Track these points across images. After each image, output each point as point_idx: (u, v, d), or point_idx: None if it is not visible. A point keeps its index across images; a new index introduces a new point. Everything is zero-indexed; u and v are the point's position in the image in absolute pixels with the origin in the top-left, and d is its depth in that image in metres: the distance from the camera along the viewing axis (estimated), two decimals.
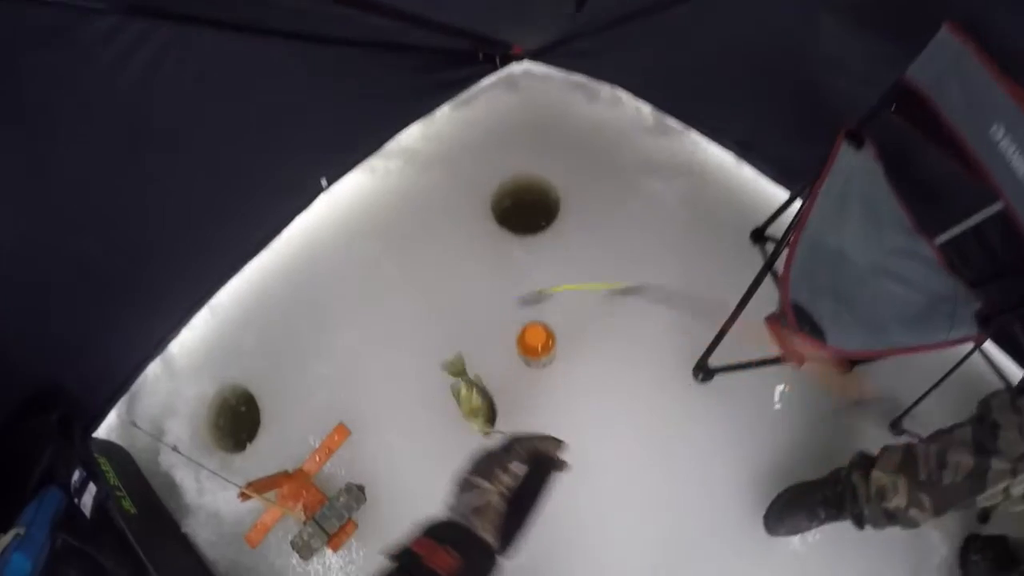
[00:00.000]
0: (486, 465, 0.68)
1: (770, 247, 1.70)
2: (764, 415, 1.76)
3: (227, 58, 1.37)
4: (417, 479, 1.68)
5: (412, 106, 1.94)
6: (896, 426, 1.72)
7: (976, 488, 1.22)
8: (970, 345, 1.47)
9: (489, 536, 0.64)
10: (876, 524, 1.40)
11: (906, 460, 1.33)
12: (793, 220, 1.42)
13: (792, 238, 1.32)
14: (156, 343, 1.84)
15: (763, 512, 1.63)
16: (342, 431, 1.72)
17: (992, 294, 1.38)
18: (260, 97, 1.53)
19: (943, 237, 1.44)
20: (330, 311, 1.83)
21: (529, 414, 1.70)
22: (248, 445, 1.78)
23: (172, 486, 1.78)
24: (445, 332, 1.74)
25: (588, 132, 1.99)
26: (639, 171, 1.94)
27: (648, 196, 1.92)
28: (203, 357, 1.86)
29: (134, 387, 1.84)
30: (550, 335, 1.57)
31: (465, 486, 0.67)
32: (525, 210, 1.95)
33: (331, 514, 1.63)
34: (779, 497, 1.63)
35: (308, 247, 1.88)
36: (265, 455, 1.75)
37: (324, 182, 1.86)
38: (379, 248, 1.86)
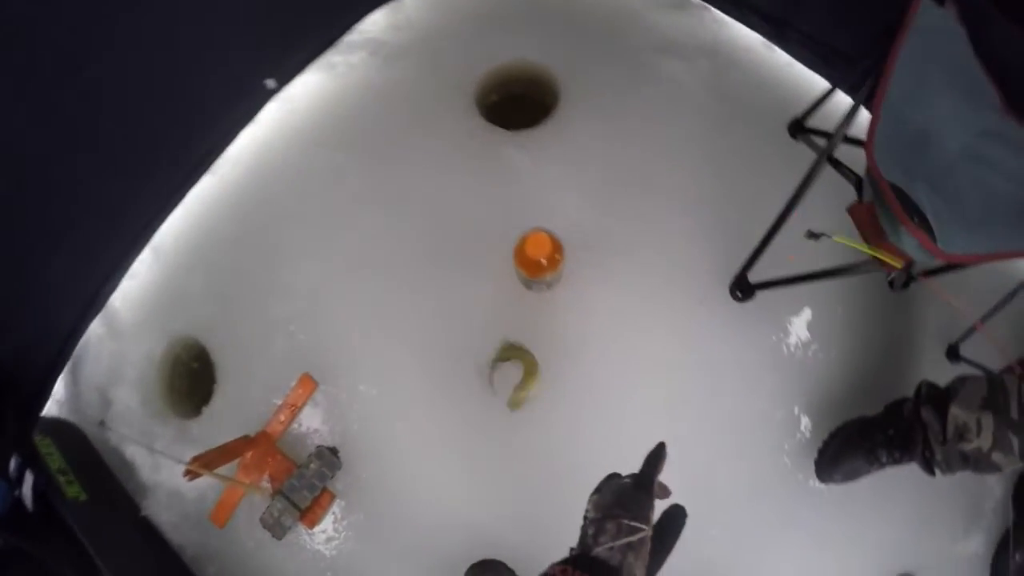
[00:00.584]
0: (638, 506, 0.68)
1: (815, 141, 1.33)
2: (811, 337, 1.46)
3: None
4: (398, 435, 1.38)
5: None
6: (954, 353, 1.50)
7: None
8: None
9: None
10: (949, 468, 1.21)
11: (993, 394, 1.15)
12: (851, 110, 1.10)
13: (874, 102, 1.00)
14: (93, 297, 1.54)
15: (811, 451, 1.40)
16: (307, 383, 1.41)
17: None
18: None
19: None
20: (287, 241, 1.50)
21: (536, 350, 1.36)
22: (204, 408, 1.48)
23: (124, 463, 1.51)
24: (426, 252, 1.43)
25: (595, 8, 1.61)
26: (654, 52, 1.57)
27: (666, 80, 1.56)
28: (148, 309, 1.56)
29: (76, 352, 1.56)
30: (557, 245, 1.21)
31: (622, 529, 0.66)
32: (517, 103, 1.58)
33: (301, 485, 1.34)
34: (832, 438, 1.39)
35: (258, 166, 1.55)
36: (224, 418, 1.46)
37: (271, 83, 1.52)
38: (342, 159, 1.52)
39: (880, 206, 1.03)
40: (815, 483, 1.40)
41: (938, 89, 1.02)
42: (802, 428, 1.43)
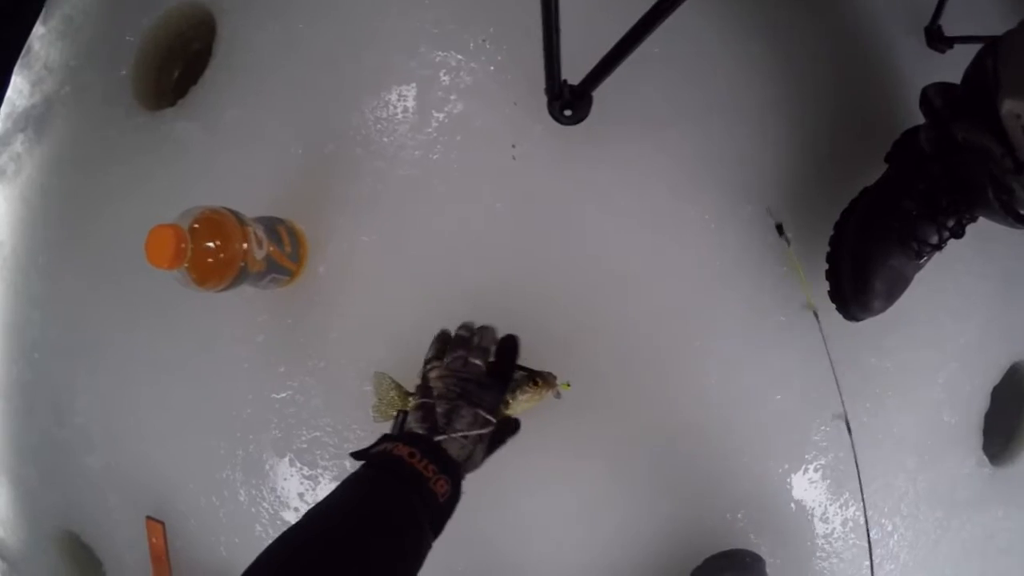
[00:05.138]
0: (493, 397, 0.69)
1: None
2: (715, 112, 0.97)
3: None
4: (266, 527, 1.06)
5: None
6: (936, 35, 1.01)
7: None
8: None
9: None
10: None
11: None
12: None
13: None
14: None
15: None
16: (154, 527, 1.12)
17: None
18: None
19: None
20: (56, 382, 1.21)
21: (332, 357, 0.98)
22: None
23: None
24: (160, 310, 1.08)
25: None
26: None
27: None
28: (21, 521, 1.35)
29: None
30: (212, 225, 0.82)
31: (478, 420, 0.65)
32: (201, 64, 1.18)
33: None
34: (837, 245, 0.88)
35: (2, 322, 1.28)
36: None
37: None
38: (56, 262, 1.20)
39: None
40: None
41: None
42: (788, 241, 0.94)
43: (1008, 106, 0.67)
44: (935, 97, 0.81)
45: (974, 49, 0.77)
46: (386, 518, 0.52)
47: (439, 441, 0.61)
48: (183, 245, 0.77)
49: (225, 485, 1.05)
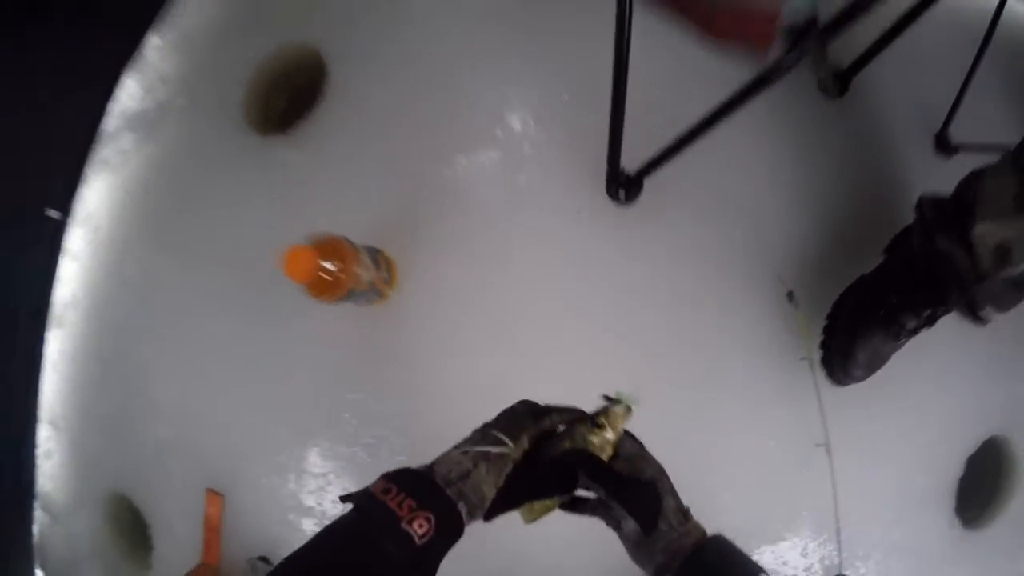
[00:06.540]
0: (514, 422, 0.59)
1: None
2: (746, 202, 1.16)
3: None
4: (319, 515, 1.21)
5: (108, 63, 1.41)
6: (943, 142, 1.19)
7: None
8: None
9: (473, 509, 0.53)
10: (1002, 306, 0.92)
11: None
12: None
13: None
14: (24, 488, 1.50)
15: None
16: (213, 499, 1.27)
17: None
18: None
19: None
20: (139, 359, 1.36)
21: (404, 372, 1.15)
22: (150, 558, 1.39)
23: None
24: (253, 312, 1.23)
25: None
26: None
27: None
28: (73, 480, 1.49)
29: (36, 546, 1.53)
30: (335, 249, 0.99)
31: (487, 438, 0.56)
32: (304, 97, 1.35)
33: None
34: (832, 322, 1.07)
35: (93, 298, 1.41)
36: (171, 558, 1.35)
37: (54, 213, 1.39)
38: (152, 254, 1.36)
39: None
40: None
41: None
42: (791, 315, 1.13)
43: (979, 228, 0.86)
44: (927, 208, 0.98)
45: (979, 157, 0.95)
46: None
47: (430, 465, 0.55)
48: (315, 264, 0.94)
49: (288, 468, 1.20)
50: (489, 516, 0.56)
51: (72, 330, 1.43)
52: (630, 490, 0.56)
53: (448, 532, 0.50)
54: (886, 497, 1.14)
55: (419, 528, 0.47)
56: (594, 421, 0.61)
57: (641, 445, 0.62)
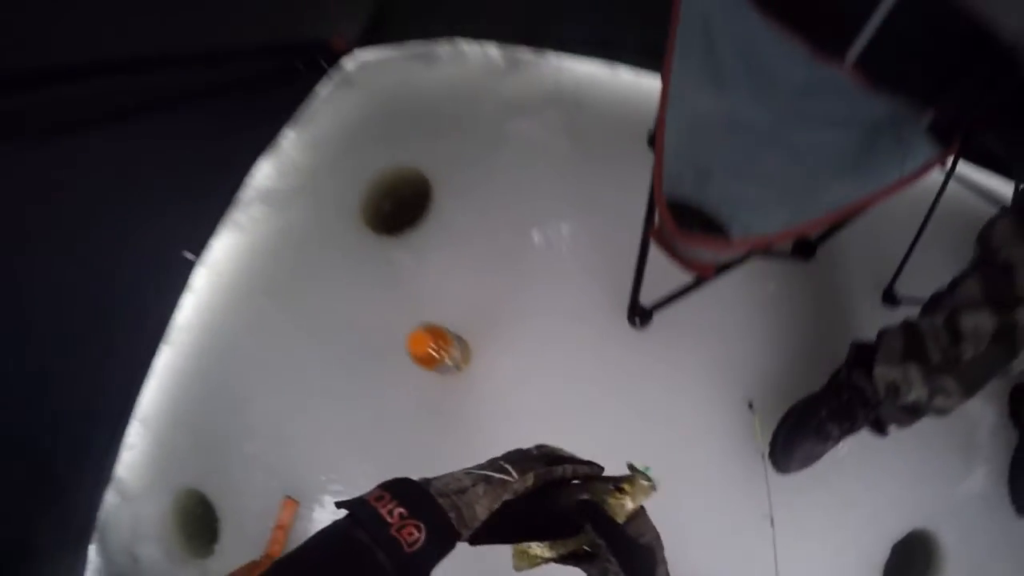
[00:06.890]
0: (522, 458, 0.64)
1: None
2: (731, 334, 1.55)
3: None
4: None
5: (251, 146, 1.80)
6: (890, 296, 1.47)
7: (1007, 353, 0.96)
8: (939, 174, 1.18)
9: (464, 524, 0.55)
10: (900, 423, 1.20)
11: (910, 344, 1.08)
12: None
13: (658, 117, 0.95)
14: (101, 472, 1.79)
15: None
16: (290, 505, 1.61)
17: (942, 98, 0.94)
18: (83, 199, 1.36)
19: (853, 52, 1.03)
20: (243, 385, 1.71)
21: (462, 427, 1.54)
22: (215, 546, 1.70)
23: None
24: (352, 366, 1.61)
25: (440, 98, 1.80)
26: (502, 118, 1.73)
27: (522, 140, 1.72)
28: (149, 471, 1.79)
29: (99, 522, 1.80)
30: (440, 335, 1.40)
31: (493, 465, 0.61)
32: (405, 206, 1.77)
33: None
34: (780, 426, 1.39)
35: (204, 327, 1.77)
36: (233, 550, 1.66)
37: (190, 255, 1.75)
38: (266, 303, 1.73)
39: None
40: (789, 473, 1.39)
41: (730, 68, 0.95)
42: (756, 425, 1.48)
43: (878, 369, 1.14)
44: (851, 350, 1.28)
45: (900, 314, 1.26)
46: None
47: (430, 478, 0.57)
48: (428, 343, 1.35)
49: (355, 492, 1.55)
50: (476, 540, 0.57)
51: (181, 349, 1.77)
52: (632, 551, 0.57)
53: (440, 541, 0.52)
54: (821, 571, 1.42)
55: (408, 536, 0.49)
56: (617, 485, 0.62)
57: (644, 510, 0.64)
